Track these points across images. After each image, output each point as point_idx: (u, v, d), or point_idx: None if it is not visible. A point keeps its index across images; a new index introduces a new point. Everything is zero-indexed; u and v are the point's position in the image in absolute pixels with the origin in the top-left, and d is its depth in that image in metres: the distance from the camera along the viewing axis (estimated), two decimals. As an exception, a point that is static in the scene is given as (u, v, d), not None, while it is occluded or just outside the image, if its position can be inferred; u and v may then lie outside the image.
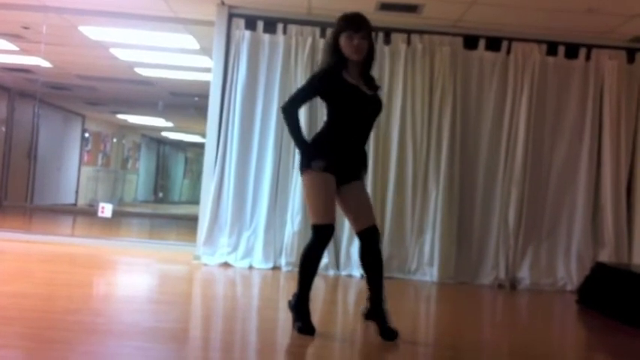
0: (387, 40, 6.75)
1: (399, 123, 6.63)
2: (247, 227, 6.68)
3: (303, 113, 6.53)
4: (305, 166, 3.80)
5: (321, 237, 3.80)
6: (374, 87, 3.91)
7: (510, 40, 6.80)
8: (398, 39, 6.75)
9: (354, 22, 3.85)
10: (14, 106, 13.47)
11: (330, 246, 6.53)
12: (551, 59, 6.80)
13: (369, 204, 3.98)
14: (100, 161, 17.86)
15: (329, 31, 6.60)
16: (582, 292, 5.83)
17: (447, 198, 6.61)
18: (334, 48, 3.83)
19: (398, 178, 6.62)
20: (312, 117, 6.53)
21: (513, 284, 6.59)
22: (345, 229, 6.40)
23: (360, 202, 3.92)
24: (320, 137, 3.87)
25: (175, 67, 10.07)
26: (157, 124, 17.80)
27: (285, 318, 4.57)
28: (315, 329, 3.81)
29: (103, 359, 3.22)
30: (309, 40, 6.66)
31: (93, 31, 8.10)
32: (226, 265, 6.53)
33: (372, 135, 4.71)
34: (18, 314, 3.91)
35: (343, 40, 3.80)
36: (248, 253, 6.60)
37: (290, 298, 3.94)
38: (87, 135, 17.20)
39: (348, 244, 6.50)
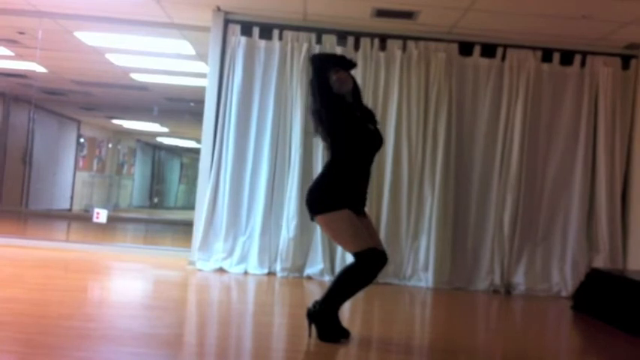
0: (383, 47, 6.76)
1: (395, 129, 6.64)
2: (242, 233, 6.67)
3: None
4: (332, 208, 3.81)
5: (378, 259, 3.82)
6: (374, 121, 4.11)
7: (505, 46, 6.82)
8: (393, 45, 6.76)
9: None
10: (9, 111, 13.45)
11: (326, 252, 6.54)
12: (546, 66, 6.83)
13: (378, 235, 4.14)
14: (95, 166, 17.81)
15: (324, 37, 6.68)
16: (577, 297, 5.84)
17: (442, 203, 6.62)
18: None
19: (393, 183, 6.62)
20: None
21: (508, 290, 6.60)
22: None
23: (372, 231, 4.01)
24: (337, 179, 3.88)
25: (171, 73, 10.06)
26: (152, 130, 17.78)
27: (280, 323, 4.57)
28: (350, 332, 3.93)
29: (96, 365, 3.21)
30: (305, 46, 6.66)
31: (88, 37, 8.09)
32: (221, 270, 6.51)
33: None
34: (11, 319, 3.90)
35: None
36: (243, 258, 6.59)
37: (310, 306, 3.89)
38: (82, 140, 17.16)
39: (344, 251, 6.49)
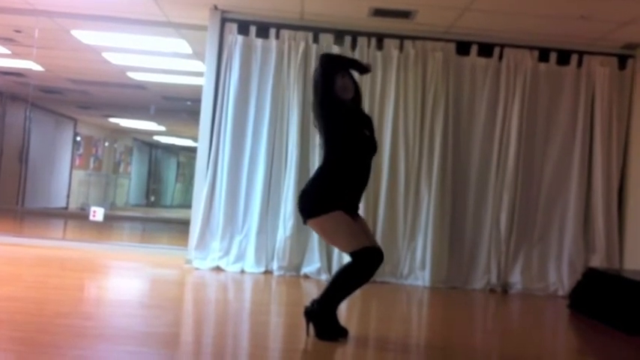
0: (380, 46, 6.76)
1: (392, 128, 6.65)
2: (239, 231, 6.67)
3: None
4: (324, 211, 3.82)
5: (374, 257, 3.82)
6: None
7: (502, 46, 6.83)
8: (390, 45, 6.76)
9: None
10: (6, 110, 13.43)
11: (322, 251, 6.54)
12: (543, 65, 6.84)
13: (372, 233, 4.16)
14: (91, 165, 17.80)
15: (321, 37, 6.69)
16: (573, 297, 5.85)
17: (439, 203, 6.62)
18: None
19: (390, 182, 6.63)
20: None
21: (505, 289, 6.61)
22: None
23: (367, 230, 4.04)
24: (330, 181, 3.90)
25: (168, 72, 10.05)
26: (149, 128, 17.76)
27: (277, 322, 4.57)
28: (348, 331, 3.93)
29: (93, 363, 3.21)
30: (302, 45, 6.66)
31: (85, 35, 8.08)
32: (218, 269, 6.51)
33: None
34: (8, 317, 3.89)
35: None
36: (240, 257, 6.59)
37: (307, 304, 3.89)
38: (79, 139, 17.14)
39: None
